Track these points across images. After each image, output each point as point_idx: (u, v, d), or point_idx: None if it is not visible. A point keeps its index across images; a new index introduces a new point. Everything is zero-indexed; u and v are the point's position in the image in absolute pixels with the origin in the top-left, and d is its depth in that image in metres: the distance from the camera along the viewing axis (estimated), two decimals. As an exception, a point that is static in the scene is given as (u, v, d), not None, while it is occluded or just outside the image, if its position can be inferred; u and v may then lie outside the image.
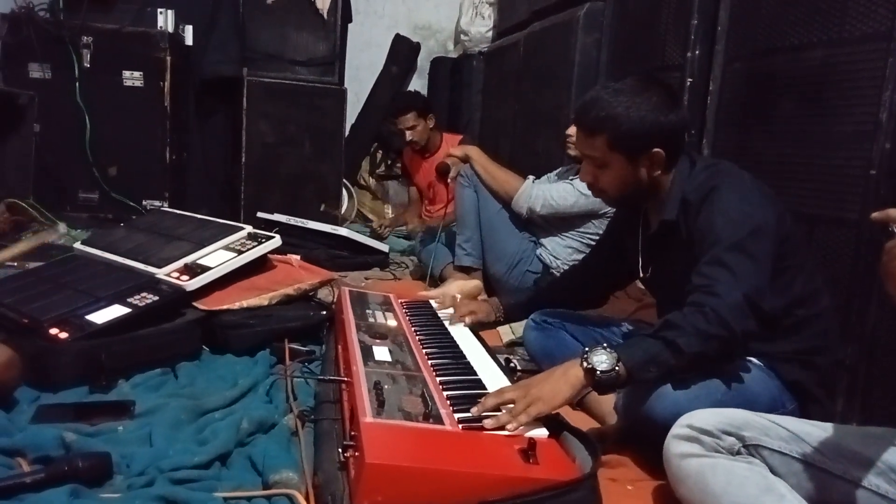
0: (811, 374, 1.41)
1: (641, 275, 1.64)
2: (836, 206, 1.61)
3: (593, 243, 2.41)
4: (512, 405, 1.22)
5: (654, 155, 1.45)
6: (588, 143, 1.48)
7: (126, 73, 3.43)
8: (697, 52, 2.21)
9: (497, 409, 1.22)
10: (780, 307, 1.37)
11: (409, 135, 3.86)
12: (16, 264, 2.38)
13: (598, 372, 1.23)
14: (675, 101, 1.48)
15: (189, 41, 3.78)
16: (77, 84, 3.32)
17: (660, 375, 1.28)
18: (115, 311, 1.64)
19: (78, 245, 2.26)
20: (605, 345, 1.27)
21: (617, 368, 1.24)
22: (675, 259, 1.49)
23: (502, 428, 1.18)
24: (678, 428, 1.14)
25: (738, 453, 1.09)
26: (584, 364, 1.25)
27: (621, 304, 2.23)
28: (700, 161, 1.50)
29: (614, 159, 1.46)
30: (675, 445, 1.13)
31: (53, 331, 1.55)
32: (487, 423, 1.19)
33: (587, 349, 1.27)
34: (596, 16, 2.85)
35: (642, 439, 1.37)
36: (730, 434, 1.10)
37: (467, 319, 1.82)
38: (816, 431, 1.11)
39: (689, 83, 2.23)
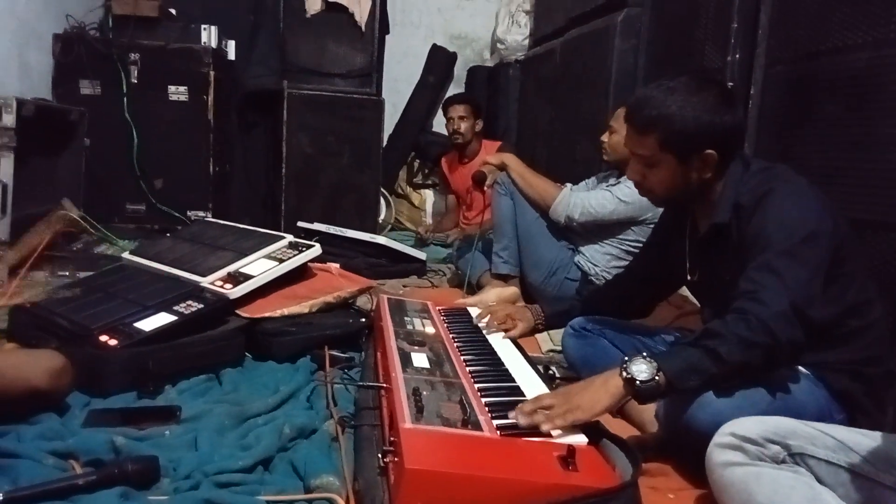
0: (860, 385, 1.36)
1: (689, 278, 1.60)
2: (884, 210, 1.57)
3: (632, 250, 2.39)
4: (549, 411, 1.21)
5: (706, 157, 1.40)
6: (638, 142, 1.44)
7: (172, 88, 3.52)
8: (738, 56, 2.17)
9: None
10: (833, 316, 1.33)
11: (456, 123, 3.87)
12: (67, 273, 2.46)
13: (638, 382, 1.21)
14: (731, 102, 1.43)
15: (232, 56, 3.88)
16: (125, 99, 3.43)
17: (701, 385, 1.25)
18: (162, 319, 1.69)
19: (126, 255, 2.33)
20: (644, 354, 1.25)
21: (657, 378, 1.22)
22: (724, 264, 1.44)
23: (536, 429, 1.17)
24: (721, 436, 1.12)
25: (783, 462, 1.07)
26: (624, 374, 1.23)
27: (661, 312, 2.20)
28: (754, 163, 1.44)
29: (664, 159, 1.42)
30: (718, 454, 1.11)
31: (103, 338, 1.60)
32: (521, 418, 1.18)
33: (627, 358, 1.25)
34: (633, 21, 2.83)
35: (684, 448, 1.35)
36: (774, 442, 1.08)
37: (507, 335, 1.77)
38: (865, 441, 1.08)
39: (729, 87, 2.19)
